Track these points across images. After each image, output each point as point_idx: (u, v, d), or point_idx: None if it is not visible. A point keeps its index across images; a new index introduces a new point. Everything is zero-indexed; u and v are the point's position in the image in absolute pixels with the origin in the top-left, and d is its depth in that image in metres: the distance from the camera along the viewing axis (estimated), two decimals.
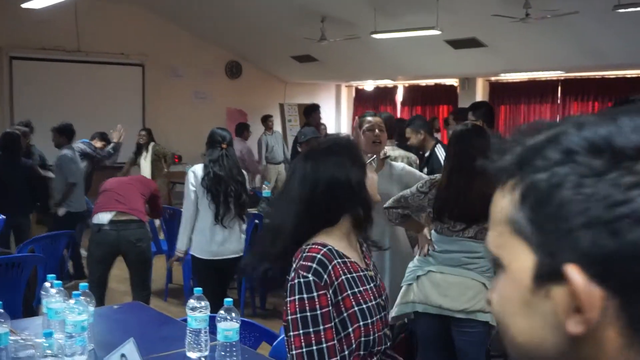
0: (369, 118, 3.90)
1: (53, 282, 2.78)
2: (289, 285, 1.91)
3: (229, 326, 2.47)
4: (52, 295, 2.72)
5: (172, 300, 6.54)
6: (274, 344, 2.82)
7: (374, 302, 2.04)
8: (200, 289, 2.67)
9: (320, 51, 11.82)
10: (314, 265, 1.89)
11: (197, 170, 4.77)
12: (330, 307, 1.89)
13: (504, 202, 0.68)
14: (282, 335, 2.79)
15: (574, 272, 0.61)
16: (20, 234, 6.45)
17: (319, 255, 1.91)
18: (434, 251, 3.30)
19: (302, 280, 1.87)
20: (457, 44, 10.61)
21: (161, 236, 7.14)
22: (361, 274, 2.05)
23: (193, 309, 2.59)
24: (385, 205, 3.40)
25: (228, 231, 4.76)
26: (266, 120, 11.63)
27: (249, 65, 14.03)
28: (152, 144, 9.40)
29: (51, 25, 10.76)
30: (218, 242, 4.74)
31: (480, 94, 13.53)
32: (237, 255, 4.83)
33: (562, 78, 12.56)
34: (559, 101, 12.78)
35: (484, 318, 3.15)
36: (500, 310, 0.70)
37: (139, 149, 9.26)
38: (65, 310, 2.57)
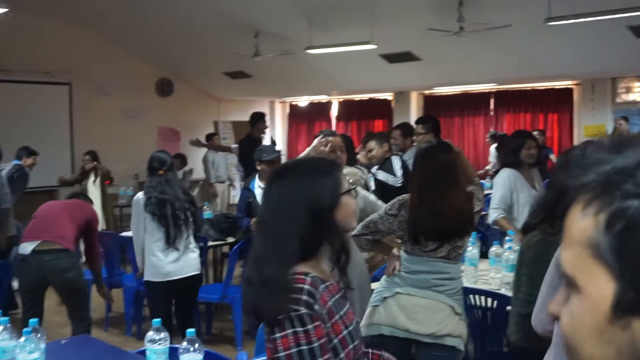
0: (330, 138, 3.86)
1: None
2: (277, 319, 1.82)
3: (192, 358, 2.41)
4: None
5: (113, 330, 6.35)
6: None
7: (354, 324, 2.01)
8: (159, 319, 2.60)
9: (254, 67, 11.80)
10: (305, 297, 1.82)
11: (139, 197, 4.81)
12: (326, 338, 1.85)
13: (585, 223, 0.66)
14: None
15: None
16: None
17: (306, 286, 1.85)
18: (403, 272, 3.27)
19: (293, 313, 1.80)
20: (392, 58, 10.77)
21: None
22: (339, 295, 2.01)
23: (152, 341, 2.52)
24: (353, 233, 3.29)
25: (182, 250, 4.75)
26: (211, 137, 11.62)
27: (180, 83, 13.87)
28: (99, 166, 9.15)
29: None
30: (172, 262, 4.71)
31: (415, 108, 13.77)
32: (195, 273, 4.83)
33: (495, 90, 12.90)
34: (492, 112, 13.12)
35: (452, 342, 3.13)
36: (571, 332, 0.69)
37: (85, 174, 8.99)
38: (15, 349, 2.46)
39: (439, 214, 3.12)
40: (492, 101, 13.06)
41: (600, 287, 0.64)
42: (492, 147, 11.56)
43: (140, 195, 4.83)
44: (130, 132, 12.78)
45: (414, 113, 13.56)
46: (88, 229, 5.15)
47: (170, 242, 4.68)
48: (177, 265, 4.73)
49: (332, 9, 9.30)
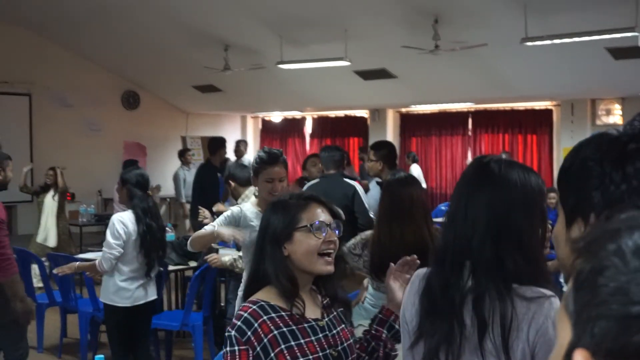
0: (270, 169, 3.64)
1: None
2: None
3: None
4: None
5: (67, 357, 6.29)
6: None
7: (319, 354, 2.08)
8: (102, 356, 2.60)
9: (224, 81, 11.83)
10: (239, 323, 2.03)
11: (125, 220, 4.66)
12: None
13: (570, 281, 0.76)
14: None
15: (578, 357, 0.67)
16: None
17: (245, 314, 2.05)
18: (368, 304, 3.34)
19: (227, 334, 2.04)
20: (366, 74, 10.87)
21: (55, 287, 6.86)
22: (304, 325, 2.10)
23: None
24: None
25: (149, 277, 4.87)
26: (184, 154, 11.51)
27: (147, 95, 13.85)
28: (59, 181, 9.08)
29: None
30: (140, 287, 4.77)
31: (391, 125, 13.87)
32: (154, 298, 4.95)
33: (473, 110, 13.05)
34: (469, 132, 13.25)
35: None
36: None
37: (45, 189, 8.93)
38: None
39: (393, 248, 3.16)
40: (470, 121, 13.20)
41: (564, 337, 0.73)
42: None
43: (125, 216, 4.68)
44: (94, 147, 12.72)
45: (390, 131, 13.67)
46: None
47: (149, 272, 4.77)
48: (144, 291, 4.80)
49: (305, 24, 9.37)
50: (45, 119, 12.25)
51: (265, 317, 2.05)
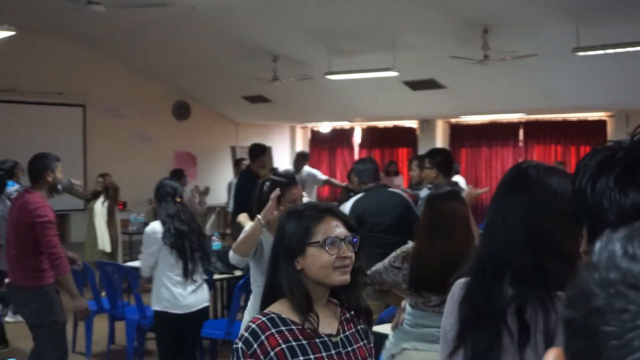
0: (294, 190, 3.74)
1: None
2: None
3: None
4: None
5: None
6: None
7: None
8: None
9: (273, 91, 11.92)
10: (246, 334, 2.02)
11: (156, 229, 4.86)
12: None
13: None
14: None
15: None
16: None
17: (253, 325, 2.04)
18: (407, 325, 3.31)
19: (235, 346, 2.03)
20: (415, 85, 10.83)
21: (103, 294, 7.01)
22: (316, 340, 2.06)
23: None
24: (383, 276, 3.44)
25: (199, 282, 4.97)
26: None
27: (198, 106, 14.04)
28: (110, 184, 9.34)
29: None
30: (191, 293, 4.89)
31: (441, 136, 13.78)
32: (206, 305, 5.10)
33: (524, 120, 12.89)
34: (521, 144, 13.08)
35: None
36: None
37: (96, 195, 9.20)
38: None
39: (433, 262, 3.15)
40: (521, 131, 13.03)
41: None
42: None
43: (156, 225, 4.87)
44: (145, 156, 12.93)
45: (439, 142, 13.58)
46: (34, 229, 4.70)
47: (189, 275, 4.84)
48: (196, 297, 4.92)
49: (352, 34, 9.40)
50: (98, 129, 12.52)
51: (273, 330, 2.03)
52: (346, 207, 5.22)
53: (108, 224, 8.93)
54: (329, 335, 2.10)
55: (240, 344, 2.01)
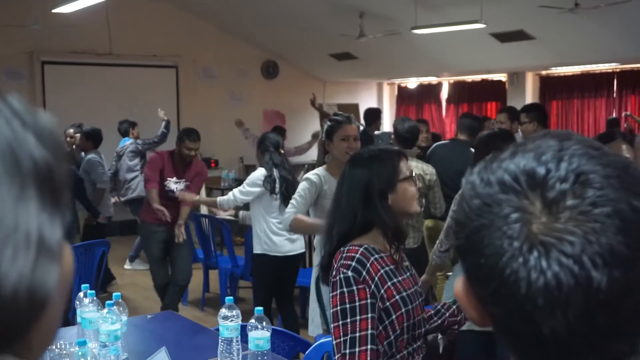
0: (347, 127, 3.90)
1: (87, 292, 2.93)
2: (331, 282, 2.22)
3: (260, 335, 2.59)
4: (85, 305, 2.87)
5: (209, 309, 6.70)
6: (307, 353, 2.93)
7: (412, 290, 2.33)
8: (232, 297, 2.80)
9: (360, 48, 11.92)
10: (353, 264, 2.19)
11: (263, 174, 5.13)
12: (369, 300, 2.16)
13: None
14: (314, 344, 2.91)
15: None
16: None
17: (357, 255, 2.21)
18: None
19: (342, 276, 2.17)
20: (503, 37, 10.60)
21: (197, 245, 7.30)
22: (393, 266, 2.33)
23: (225, 317, 2.72)
24: (441, 249, 3.56)
25: None
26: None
27: (285, 65, 14.19)
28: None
29: (82, 28, 11.07)
30: (286, 240, 5.12)
31: (530, 89, 13.47)
32: (302, 251, 5.36)
33: (618, 70, 12.43)
34: (614, 95, 12.64)
35: None
36: None
37: None
38: (99, 319, 2.72)
39: None
40: (615, 82, 12.58)
41: None
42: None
43: (263, 172, 5.11)
44: (235, 115, 13.13)
45: (529, 95, 13.28)
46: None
47: None
48: (292, 244, 5.16)
49: None
50: (190, 90, 12.87)
51: (372, 258, 2.25)
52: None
53: None
54: (402, 261, 2.37)
55: (350, 273, 2.18)
